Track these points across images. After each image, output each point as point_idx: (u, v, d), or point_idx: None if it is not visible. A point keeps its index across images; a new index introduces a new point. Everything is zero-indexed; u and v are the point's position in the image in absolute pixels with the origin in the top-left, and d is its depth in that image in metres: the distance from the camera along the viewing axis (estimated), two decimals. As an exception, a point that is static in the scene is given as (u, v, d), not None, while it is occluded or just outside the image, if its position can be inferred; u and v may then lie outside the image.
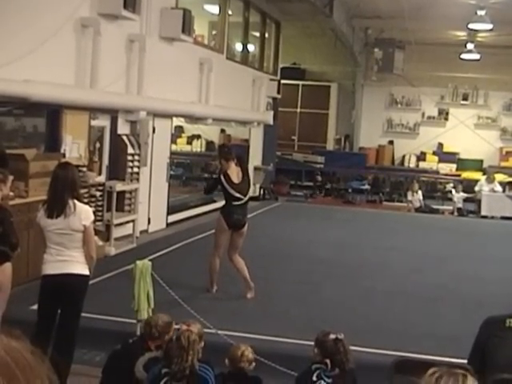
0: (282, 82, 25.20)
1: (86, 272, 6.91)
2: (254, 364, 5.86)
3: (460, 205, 23.35)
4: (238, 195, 10.25)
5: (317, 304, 10.23)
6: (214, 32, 20.63)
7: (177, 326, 6.10)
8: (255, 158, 23.46)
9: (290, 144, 29.90)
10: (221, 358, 5.88)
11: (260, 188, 23.75)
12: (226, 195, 10.33)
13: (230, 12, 19.99)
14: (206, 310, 8.48)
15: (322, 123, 30.66)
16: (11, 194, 8.36)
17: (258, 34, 23.48)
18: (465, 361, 5.46)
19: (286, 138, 28.84)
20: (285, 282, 11.51)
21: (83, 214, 6.83)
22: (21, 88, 9.98)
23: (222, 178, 10.26)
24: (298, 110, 30.44)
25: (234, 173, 10.33)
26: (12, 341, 1.18)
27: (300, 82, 30.24)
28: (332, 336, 5.62)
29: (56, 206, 6.77)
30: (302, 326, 8.65)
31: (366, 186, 27.10)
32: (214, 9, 20.11)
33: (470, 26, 21.81)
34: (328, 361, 5.50)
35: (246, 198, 10.40)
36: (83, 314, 7.09)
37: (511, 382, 4.91)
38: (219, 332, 7.88)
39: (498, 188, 23.57)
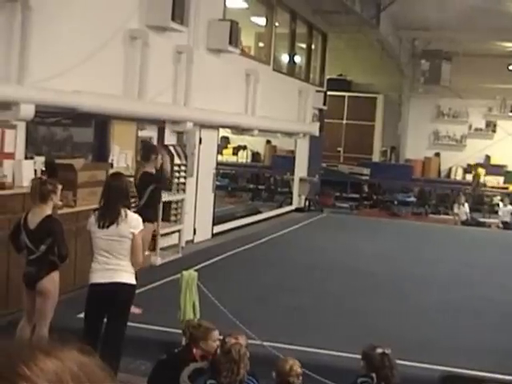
0: (328, 93, 25.19)
1: (133, 281, 6.98)
2: (301, 378, 5.84)
3: (507, 218, 23.04)
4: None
5: (363, 317, 10.17)
6: (260, 43, 20.70)
7: (220, 337, 6.12)
8: (301, 169, 23.46)
9: (336, 155, 29.83)
10: (265, 370, 5.87)
11: (305, 199, 23.72)
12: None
13: (276, 24, 20.05)
14: (251, 321, 8.47)
15: (368, 135, 30.55)
16: (60, 203, 8.46)
17: (304, 46, 23.50)
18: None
19: (331, 149, 28.77)
20: (330, 294, 11.46)
21: (133, 222, 6.92)
22: (70, 98, 10.10)
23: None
24: (344, 121, 30.38)
25: None
26: (84, 356, 1.20)
27: (346, 94, 30.19)
28: (379, 350, 5.59)
29: (109, 215, 6.87)
30: (348, 338, 8.60)
31: (412, 198, 26.90)
32: (261, 20, 20.19)
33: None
34: (374, 375, 5.48)
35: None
36: (129, 323, 7.14)
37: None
38: (264, 343, 7.87)
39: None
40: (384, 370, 5.51)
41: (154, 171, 9.96)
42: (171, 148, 14.06)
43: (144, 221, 7.58)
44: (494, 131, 30.25)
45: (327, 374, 7.33)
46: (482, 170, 28.81)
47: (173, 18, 12.57)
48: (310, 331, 9.17)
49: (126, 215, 6.88)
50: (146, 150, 10.24)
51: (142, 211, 8.76)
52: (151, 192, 9.91)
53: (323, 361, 7.97)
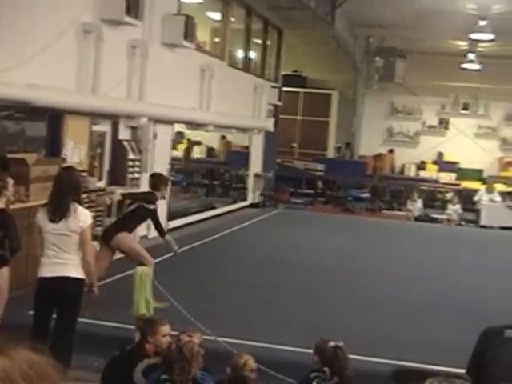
0: (284, 89, 25.24)
1: (82, 276, 6.93)
2: (255, 373, 5.85)
3: (456, 216, 23.33)
4: None
5: (317, 312, 10.22)
6: (215, 39, 20.66)
7: (171, 332, 6.10)
8: (256, 165, 23.48)
9: (291, 151, 29.90)
10: (220, 365, 5.87)
11: (260, 195, 23.75)
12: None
13: (232, 19, 20.03)
14: (206, 317, 8.47)
15: (323, 131, 30.67)
16: (12, 198, 8.36)
17: (259, 42, 23.51)
18: (464, 370, 5.47)
19: (286, 145, 28.85)
20: (285, 290, 11.50)
21: (82, 216, 6.89)
22: (23, 92, 9.99)
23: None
24: (299, 117, 30.45)
25: None
26: (35, 355, 1.19)
27: (301, 90, 30.24)
28: (331, 344, 5.63)
29: (58, 209, 6.83)
30: (303, 333, 8.64)
31: (366, 195, 27.08)
32: (216, 16, 20.15)
33: (471, 36, 21.88)
34: (327, 369, 5.50)
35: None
36: (82, 319, 7.09)
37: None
38: (219, 339, 7.87)
39: (498, 198, 23.58)
40: (338, 363, 5.55)
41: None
42: (125, 143, 13.97)
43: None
44: (446, 128, 30.59)
45: (282, 369, 7.35)
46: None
47: (127, 12, 12.49)
48: (265, 326, 9.19)
49: (76, 209, 6.84)
50: (153, 182, 10.08)
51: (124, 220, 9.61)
52: (134, 209, 9.75)
53: (278, 356, 7.99)
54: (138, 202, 9.68)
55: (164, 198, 10.42)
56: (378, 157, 29.94)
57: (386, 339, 8.91)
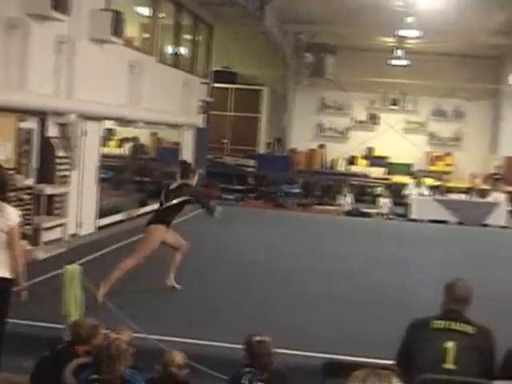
0: (214, 85, 25.21)
1: (10, 275, 6.81)
2: (186, 370, 5.82)
3: (386, 210, 23.67)
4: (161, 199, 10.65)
5: (249, 308, 10.24)
6: (145, 34, 20.50)
7: (106, 331, 6.04)
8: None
9: (222, 147, 29.85)
10: (151, 363, 5.83)
11: (191, 191, 23.64)
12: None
13: (161, 15, 19.90)
14: (137, 315, 8.40)
15: (254, 127, 30.70)
16: None
17: (190, 37, 23.42)
18: (393, 362, 5.55)
19: (217, 141, 28.81)
20: (217, 286, 11.50)
21: (10, 214, 6.76)
22: None
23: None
24: (230, 113, 30.42)
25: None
26: None
27: (232, 86, 30.23)
28: (256, 338, 5.66)
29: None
30: (235, 329, 8.63)
31: (297, 190, 27.23)
32: (146, 11, 19.98)
33: (399, 32, 22.19)
34: (257, 364, 5.53)
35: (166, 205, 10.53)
36: (11, 320, 6.96)
37: (435, 382, 5.01)
38: (150, 336, 7.82)
39: (426, 192, 23.99)
40: (262, 358, 5.58)
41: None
42: (53, 140, 13.77)
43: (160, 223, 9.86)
44: (376, 124, 31.00)
45: (216, 365, 7.34)
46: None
47: (54, 7, 12.29)
48: (198, 323, 9.17)
49: (3, 208, 6.72)
50: (184, 169, 10.87)
51: (167, 212, 10.22)
52: (182, 201, 10.38)
53: (211, 353, 7.98)
54: (182, 197, 10.28)
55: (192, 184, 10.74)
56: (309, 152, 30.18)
57: (317, 334, 8.98)
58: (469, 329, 5.39)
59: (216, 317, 9.58)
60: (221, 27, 24.77)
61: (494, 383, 3.37)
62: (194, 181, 10.62)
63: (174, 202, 10.34)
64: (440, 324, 5.44)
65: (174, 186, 10.63)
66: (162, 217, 10.48)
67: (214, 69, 26.32)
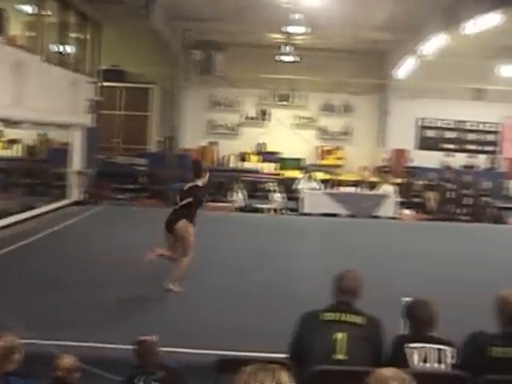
0: (103, 84, 24.87)
1: None
2: (77, 373, 5.73)
3: (278, 205, 23.92)
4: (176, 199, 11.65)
5: (146, 307, 10.16)
6: (30, 33, 20.02)
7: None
8: (77, 162, 23.00)
9: (113, 147, 29.47)
10: (42, 368, 5.72)
11: (83, 192, 23.31)
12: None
13: (47, 12, 19.47)
14: (29, 320, 8.21)
15: (145, 125, 30.46)
16: None
17: (77, 36, 23.02)
18: (286, 355, 5.61)
19: (108, 141, 28.42)
20: (111, 287, 11.36)
21: None
22: None
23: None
24: (120, 112, 30.05)
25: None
26: None
27: (121, 84, 29.86)
28: (141, 338, 5.65)
29: None
30: (129, 330, 8.55)
31: (190, 187, 27.11)
32: (29, 9, 19.51)
33: (286, 29, 22.40)
34: (147, 364, 5.51)
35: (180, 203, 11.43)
36: None
37: (326, 373, 5.09)
38: (43, 342, 7.66)
39: (317, 186, 24.35)
40: (149, 357, 5.57)
41: (201, 184, 11.52)
42: None
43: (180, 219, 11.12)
44: (266, 119, 31.22)
45: (110, 367, 7.25)
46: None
47: None
48: (90, 326, 9.03)
49: None
50: (196, 168, 11.69)
51: (181, 210, 11.25)
52: (189, 203, 11.31)
53: (104, 354, 7.88)
54: (194, 197, 11.28)
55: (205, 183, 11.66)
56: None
57: (212, 330, 8.98)
58: (358, 319, 5.50)
59: (109, 318, 9.46)
60: (109, 25, 24.45)
61: (379, 370, 3.45)
62: (205, 179, 11.56)
63: (185, 202, 11.29)
64: (330, 316, 5.53)
65: (186, 187, 11.50)
66: (180, 214, 11.37)
67: (103, 67, 25.98)
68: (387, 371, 3.37)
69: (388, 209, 23.78)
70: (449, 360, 5.27)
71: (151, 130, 30.63)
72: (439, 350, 5.29)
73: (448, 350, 5.30)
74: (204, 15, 24.24)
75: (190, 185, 11.49)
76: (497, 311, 5.39)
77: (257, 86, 30.31)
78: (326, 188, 24.71)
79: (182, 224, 11.29)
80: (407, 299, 5.89)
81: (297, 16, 21.16)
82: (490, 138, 31.92)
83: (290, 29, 22.40)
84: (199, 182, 11.44)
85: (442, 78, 29.20)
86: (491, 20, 17.44)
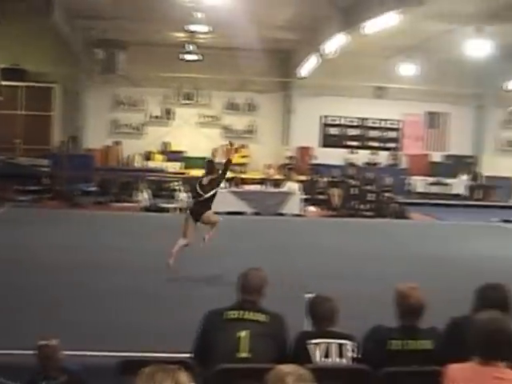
0: (2, 83, 24.32)
1: None
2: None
3: (184, 204, 23.84)
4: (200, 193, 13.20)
5: (41, 309, 9.99)
6: None
7: None
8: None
9: (14, 147, 28.80)
10: None
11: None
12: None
13: None
14: None
15: (47, 125, 29.90)
16: None
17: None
18: (190, 355, 5.60)
19: (9, 141, 27.79)
20: (13, 290, 11.12)
21: None
22: None
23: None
24: (21, 112, 29.39)
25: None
26: None
27: (21, 84, 29.20)
28: (43, 342, 5.57)
29: None
30: (27, 335, 8.38)
31: (94, 188, 26.83)
32: None
33: (189, 27, 22.37)
34: (48, 369, 5.44)
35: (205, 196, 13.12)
36: None
37: (230, 372, 5.11)
38: None
39: (222, 184, 24.35)
40: (49, 362, 5.51)
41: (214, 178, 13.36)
42: None
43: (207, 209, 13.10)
44: (171, 118, 31.13)
45: (9, 374, 7.09)
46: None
47: None
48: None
49: None
50: (210, 167, 13.69)
51: (207, 202, 13.13)
52: (215, 192, 13.24)
53: (3, 361, 7.70)
54: (216, 187, 13.24)
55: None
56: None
57: (118, 331, 8.90)
58: (262, 317, 5.53)
59: (16, 322, 9.24)
60: (8, 23, 23.87)
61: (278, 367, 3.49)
62: (217, 175, 13.40)
63: (211, 193, 13.11)
64: (234, 314, 5.55)
65: (206, 181, 13.21)
66: (205, 205, 13.16)
67: (2, 66, 25.39)
68: (286, 367, 3.41)
69: (293, 206, 24.03)
70: (350, 354, 5.36)
71: (54, 130, 30.10)
72: (340, 344, 5.37)
73: (349, 344, 5.40)
74: (106, 14, 23.98)
75: (209, 178, 13.26)
76: (395, 305, 5.51)
77: (161, 85, 30.21)
78: (230, 186, 24.77)
79: (210, 212, 13.30)
80: (310, 295, 5.95)
81: (199, 15, 21.15)
82: (392, 134, 32.71)
83: (193, 27, 22.37)
84: (213, 176, 13.31)
85: (344, 76, 29.76)
86: (389, 20, 17.86)
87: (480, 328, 4.59)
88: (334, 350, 5.34)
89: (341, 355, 5.34)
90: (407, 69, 28.19)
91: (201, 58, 27.83)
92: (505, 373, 4.44)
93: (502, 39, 24.74)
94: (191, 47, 27.17)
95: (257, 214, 23.48)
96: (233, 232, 19.21)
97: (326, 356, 5.32)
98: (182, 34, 26.24)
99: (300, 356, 5.31)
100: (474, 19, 21.56)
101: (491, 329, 4.53)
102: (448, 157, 32.78)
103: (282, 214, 23.64)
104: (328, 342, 5.35)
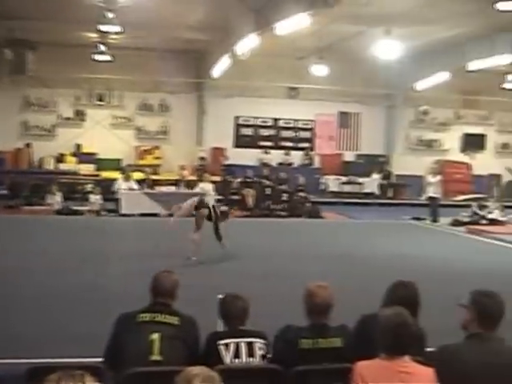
0: None
1: None
2: None
3: (97, 207, 23.59)
4: None
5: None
6: None
7: None
8: None
9: None
10: None
11: None
12: None
13: None
14: None
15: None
16: None
17: None
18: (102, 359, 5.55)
19: None
20: None
21: None
22: None
23: None
24: None
25: None
26: None
27: None
28: None
29: None
30: None
31: (4, 191, 26.23)
32: None
33: (100, 27, 22.12)
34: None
35: None
36: None
37: (141, 375, 5.08)
38: None
39: (135, 186, 24.22)
40: None
41: None
42: None
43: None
44: (83, 120, 30.72)
45: None
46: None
47: None
48: None
49: None
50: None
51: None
52: None
53: None
54: None
55: None
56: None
57: (26, 337, 8.72)
58: (174, 320, 5.53)
59: None
60: None
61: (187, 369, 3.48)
62: None
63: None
64: (146, 317, 5.53)
65: None
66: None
67: None
68: (194, 369, 3.41)
69: (207, 207, 23.97)
70: (260, 352, 5.40)
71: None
72: (249, 343, 5.40)
73: (258, 342, 5.43)
74: (14, 13, 23.46)
75: None
76: (304, 303, 5.57)
77: (72, 86, 29.81)
78: (143, 188, 24.60)
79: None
80: (221, 296, 5.97)
81: (111, 15, 20.93)
82: (305, 135, 33.07)
83: (105, 28, 22.12)
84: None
85: (257, 77, 29.95)
86: (301, 21, 18.05)
87: (383, 324, 4.70)
88: (243, 349, 5.36)
89: (251, 354, 5.37)
90: (319, 69, 28.52)
91: (112, 58, 27.54)
92: (410, 366, 4.56)
93: (410, 41, 25.31)
94: (103, 48, 26.89)
95: (171, 215, 23.33)
96: (146, 234, 19.13)
97: (237, 356, 5.34)
98: (93, 35, 25.92)
99: (211, 357, 5.33)
100: (383, 21, 21.99)
101: (393, 324, 4.64)
102: (360, 156, 33.33)
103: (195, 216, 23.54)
104: (238, 342, 5.38)
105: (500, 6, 16.25)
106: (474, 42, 25.27)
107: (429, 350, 5.39)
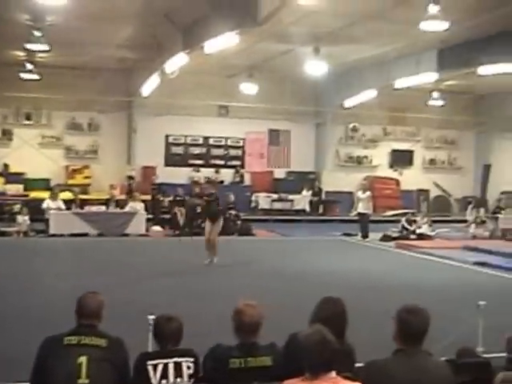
0: None
1: None
2: None
3: (25, 227, 23.17)
4: None
5: None
6: None
7: None
8: None
9: None
10: None
11: None
12: None
13: None
14: None
15: None
16: None
17: None
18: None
19: None
20: None
21: None
22: None
23: None
24: None
25: None
26: None
27: None
28: None
29: None
30: None
31: None
32: None
33: (28, 46, 21.84)
34: None
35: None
36: None
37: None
38: None
39: (63, 206, 23.86)
40: None
41: None
42: None
43: None
44: (10, 139, 30.20)
45: None
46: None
47: None
48: None
49: None
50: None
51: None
52: None
53: None
54: None
55: None
56: None
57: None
58: (101, 342, 5.45)
59: None
60: None
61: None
62: None
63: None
64: (72, 340, 5.43)
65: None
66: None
67: None
68: None
69: (138, 226, 23.85)
70: (188, 371, 5.36)
71: None
72: (176, 363, 5.36)
73: (184, 361, 5.39)
74: None
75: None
76: (232, 322, 5.55)
77: (-1, 105, 29.30)
78: (71, 208, 24.26)
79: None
80: (152, 317, 5.92)
81: (38, 33, 20.68)
82: (235, 152, 33.14)
83: (32, 46, 21.83)
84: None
85: (187, 95, 29.95)
86: (229, 40, 18.13)
87: (303, 344, 4.70)
88: (171, 370, 5.31)
89: (179, 374, 5.33)
90: (249, 87, 28.69)
91: (40, 77, 27.19)
92: (337, 382, 4.57)
93: (338, 59, 25.65)
94: (30, 66, 26.54)
95: (101, 235, 23.12)
96: (74, 254, 18.91)
97: (164, 376, 5.29)
98: (20, 53, 25.56)
99: (140, 378, 5.28)
100: (311, 40, 22.22)
101: (313, 342, 4.64)
102: (290, 173, 33.52)
103: (126, 235, 23.39)
104: (166, 362, 5.33)
105: (423, 26, 16.62)
106: (400, 60, 25.78)
107: (357, 365, 5.42)
